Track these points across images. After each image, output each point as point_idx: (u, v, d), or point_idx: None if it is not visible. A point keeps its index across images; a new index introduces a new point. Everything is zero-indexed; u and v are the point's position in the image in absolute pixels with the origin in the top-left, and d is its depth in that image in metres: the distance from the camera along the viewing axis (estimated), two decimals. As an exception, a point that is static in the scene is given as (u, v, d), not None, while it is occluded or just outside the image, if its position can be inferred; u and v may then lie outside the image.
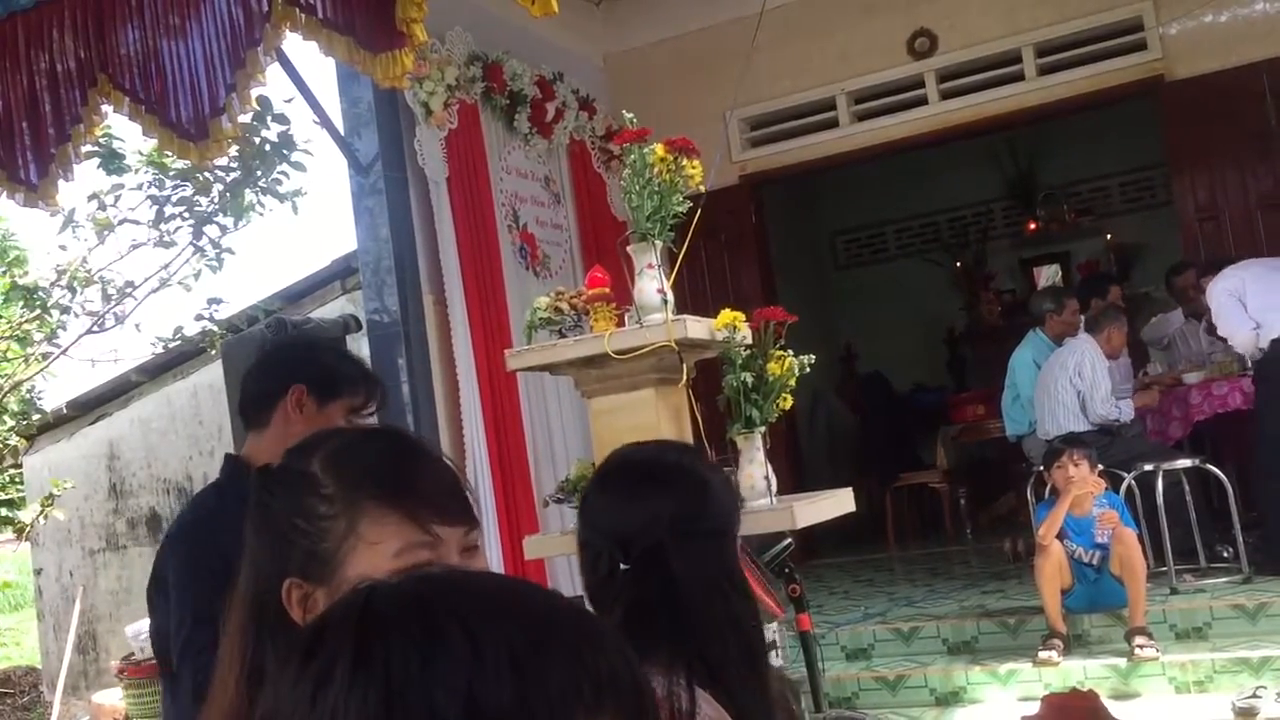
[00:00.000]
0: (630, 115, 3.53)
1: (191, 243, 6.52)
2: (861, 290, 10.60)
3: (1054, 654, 4.76)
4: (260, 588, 1.11)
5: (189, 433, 8.71)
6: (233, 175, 6.19)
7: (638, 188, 3.47)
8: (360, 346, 5.86)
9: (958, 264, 10.54)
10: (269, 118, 5.89)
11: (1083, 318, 6.16)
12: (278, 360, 2.39)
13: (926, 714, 4.83)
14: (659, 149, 3.44)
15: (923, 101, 7.03)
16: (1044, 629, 4.93)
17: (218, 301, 6.93)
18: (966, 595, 5.95)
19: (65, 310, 6.91)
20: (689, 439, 3.59)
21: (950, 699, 4.89)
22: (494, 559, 5.09)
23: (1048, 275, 10.21)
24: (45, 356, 7.30)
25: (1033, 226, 10.18)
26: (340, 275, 7.86)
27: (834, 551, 7.71)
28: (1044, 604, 4.92)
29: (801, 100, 7.27)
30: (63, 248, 6.77)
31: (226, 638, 1.13)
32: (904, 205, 10.51)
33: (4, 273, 8.14)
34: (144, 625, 7.89)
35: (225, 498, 2.17)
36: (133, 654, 7.62)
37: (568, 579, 5.35)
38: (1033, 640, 4.98)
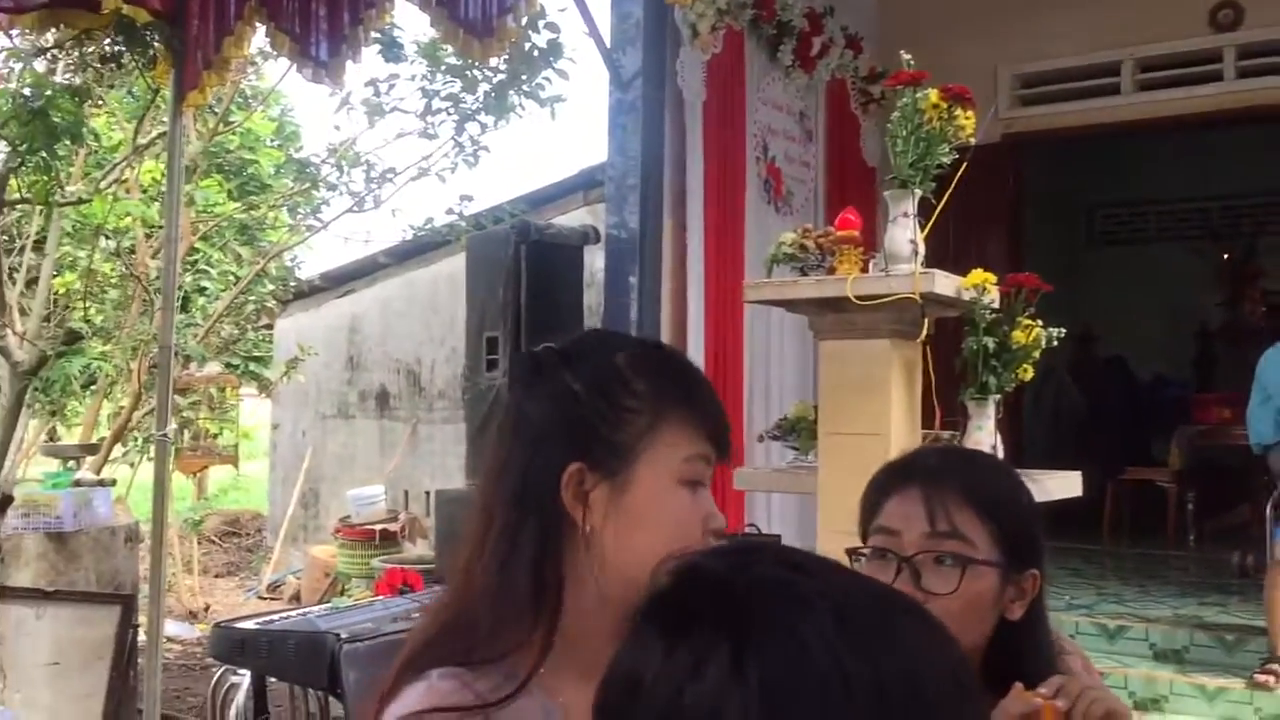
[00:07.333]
0: (908, 57, 3.43)
1: (453, 137, 6.77)
2: (1112, 270, 10.03)
3: (1272, 679, 4.46)
4: (536, 464, 1.09)
5: (424, 319, 9.13)
6: (499, 77, 6.37)
7: (904, 133, 3.38)
8: (596, 259, 5.97)
9: (1224, 256, 9.83)
10: (541, 23, 6.01)
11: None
12: None
13: (1120, 716, 4.62)
14: (933, 95, 3.33)
15: (1217, 77, 6.52)
16: (1264, 651, 4.63)
17: (468, 198, 7.20)
18: (1182, 603, 5.64)
19: (332, 188, 7.31)
20: (919, 396, 3.52)
21: (1149, 705, 4.66)
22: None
23: (1326, 280, 9.44)
24: (308, 229, 7.76)
25: (1317, 227, 9.40)
26: (583, 186, 8.01)
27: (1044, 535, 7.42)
28: (1270, 625, 4.61)
29: (1082, 62, 6.86)
30: (337, 128, 7.17)
31: (479, 511, 1.12)
32: (1174, 186, 9.84)
33: (280, 146, 8.68)
34: (363, 491, 8.40)
35: None
36: (349, 516, 8.12)
37: (764, 514, 5.37)
38: (1249, 660, 4.68)
